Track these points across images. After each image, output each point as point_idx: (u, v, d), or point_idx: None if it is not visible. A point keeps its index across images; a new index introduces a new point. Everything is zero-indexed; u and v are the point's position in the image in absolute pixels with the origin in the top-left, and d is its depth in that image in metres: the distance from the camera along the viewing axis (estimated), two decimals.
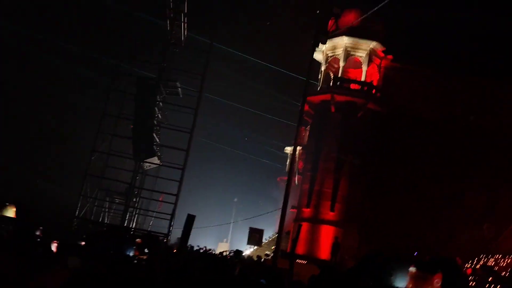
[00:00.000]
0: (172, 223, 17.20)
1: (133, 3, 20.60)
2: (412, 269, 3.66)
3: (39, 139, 30.02)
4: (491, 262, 19.30)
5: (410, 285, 3.65)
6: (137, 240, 7.87)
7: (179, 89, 19.97)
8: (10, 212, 8.81)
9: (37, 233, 9.04)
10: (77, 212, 17.12)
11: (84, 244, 8.37)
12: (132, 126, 18.21)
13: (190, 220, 8.15)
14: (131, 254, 7.78)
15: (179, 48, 21.52)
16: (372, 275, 5.01)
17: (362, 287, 5.19)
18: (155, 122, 18.99)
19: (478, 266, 17.73)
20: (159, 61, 20.07)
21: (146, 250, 7.37)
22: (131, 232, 15.92)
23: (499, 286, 13.19)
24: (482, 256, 20.43)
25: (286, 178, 19.59)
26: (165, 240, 16.95)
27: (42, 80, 31.39)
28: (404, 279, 3.82)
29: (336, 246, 21.08)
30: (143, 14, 20.86)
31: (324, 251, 21.68)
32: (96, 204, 18.37)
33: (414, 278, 3.63)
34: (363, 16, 20.79)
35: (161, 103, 20.18)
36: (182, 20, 21.15)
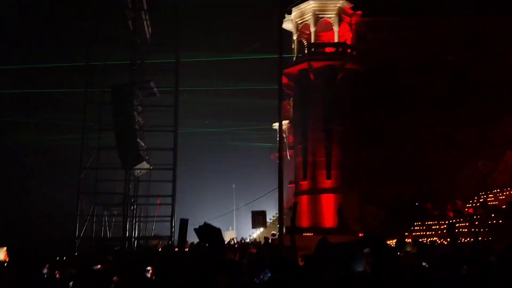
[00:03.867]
0: (173, 224, 17.23)
1: (90, 7, 19.98)
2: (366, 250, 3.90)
3: (26, 162, 29.79)
4: (490, 197, 19.55)
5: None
6: None
7: (155, 89, 19.66)
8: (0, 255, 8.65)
9: (44, 270, 8.84)
10: (77, 232, 17.09)
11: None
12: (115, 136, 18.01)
13: (183, 224, 8.11)
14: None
15: (146, 47, 21.14)
16: (334, 262, 5.08)
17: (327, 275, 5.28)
18: (137, 127, 18.78)
19: (478, 205, 17.96)
20: (129, 64, 19.72)
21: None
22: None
23: (500, 221, 13.37)
24: (482, 193, 20.70)
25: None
26: (169, 242, 17.03)
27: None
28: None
29: (340, 213, 21.28)
30: (104, 16, 20.29)
31: (328, 220, 21.87)
32: (94, 220, 18.32)
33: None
34: None
35: (139, 107, 19.91)
36: (144, 18, 20.72)
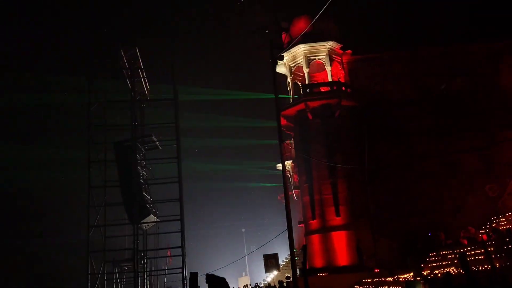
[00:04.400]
0: (185, 276, 17.02)
1: (88, 69, 20.64)
2: None
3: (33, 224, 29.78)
4: (502, 221, 19.32)
5: None
6: None
7: (156, 142, 20.02)
8: None
9: None
10: None
11: None
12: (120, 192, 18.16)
13: (193, 277, 8.13)
14: None
15: (145, 103, 21.70)
16: None
17: None
18: (141, 181, 18.96)
19: (491, 230, 17.73)
20: (130, 121, 20.19)
21: None
22: None
23: None
24: (493, 218, 20.46)
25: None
26: None
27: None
28: None
29: (359, 250, 20.98)
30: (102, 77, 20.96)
31: (342, 258, 21.53)
32: (105, 278, 18.14)
33: None
34: (313, 21, 21.00)
35: (143, 161, 20.19)
36: (141, 76, 21.40)
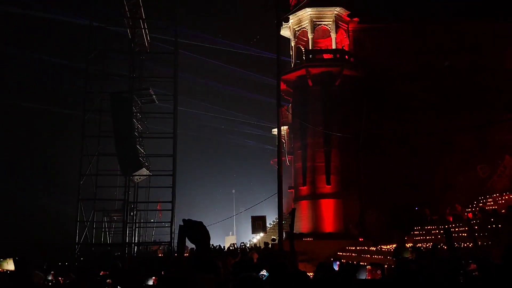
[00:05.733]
0: (173, 230, 17.28)
1: (89, 16, 20.05)
2: None
3: (29, 168, 29.85)
4: (489, 202, 19.61)
5: None
6: None
7: (153, 96, 19.78)
8: (10, 266, 8.85)
9: (50, 277, 9.05)
10: (77, 238, 17.11)
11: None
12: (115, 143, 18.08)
13: (181, 230, 8.14)
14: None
15: (145, 55, 21.30)
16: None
17: None
18: (136, 134, 18.88)
19: (477, 209, 18.00)
20: (129, 72, 19.86)
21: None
22: None
23: (500, 225, 13.41)
24: (481, 198, 20.74)
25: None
26: (169, 248, 17.09)
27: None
28: None
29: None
30: (103, 26, 20.40)
31: (328, 225, 21.91)
32: (94, 226, 18.36)
33: None
34: None
35: (139, 114, 20.03)
36: (142, 27, 20.88)
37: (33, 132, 31.29)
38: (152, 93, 19.78)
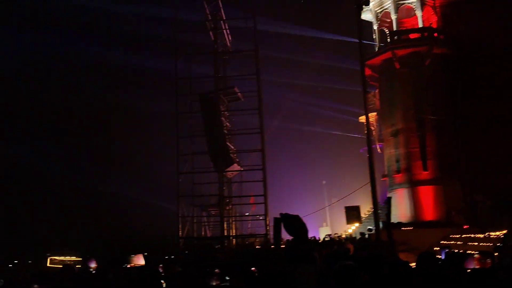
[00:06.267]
0: (267, 223, 17.66)
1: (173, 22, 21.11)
2: None
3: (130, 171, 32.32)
4: None
5: None
6: None
7: (239, 93, 20.36)
8: (141, 260, 9.85)
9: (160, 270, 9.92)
10: (180, 233, 18.29)
11: None
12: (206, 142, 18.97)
13: (277, 223, 8.33)
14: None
15: (228, 54, 21.96)
16: None
17: None
18: (225, 131, 19.57)
19: None
20: (214, 72, 20.68)
21: None
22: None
23: None
24: None
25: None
26: (266, 240, 17.50)
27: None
28: None
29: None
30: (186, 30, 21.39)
31: (428, 213, 20.81)
32: (195, 221, 19.47)
33: None
34: None
35: (226, 112, 20.74)
36: (223, 27, 21.56)
37: (131, 135, 33.88)
38: (237, 90, 20.36)
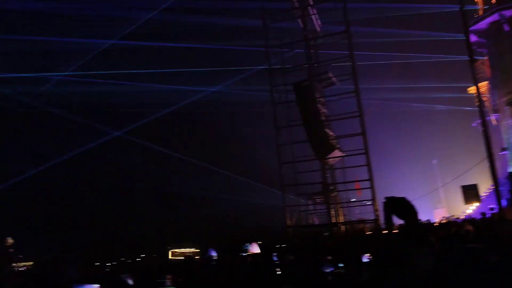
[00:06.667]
0: (376, 208, 17.13)
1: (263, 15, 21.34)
2: None
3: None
4: None
5: None
6: None
7: (333, 78, 19.95)
8: (256, 248, 10.42)
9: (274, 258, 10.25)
10: (288, 221, 18.60)
11: None
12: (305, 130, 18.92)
13: (386, 206, 8.07)
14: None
15: (318, 40, 21.60)
16: None
17: None
18: (322, 118, 19.34)
19: None
20: (306, 60, 20.54)
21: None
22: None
23: None
24: None
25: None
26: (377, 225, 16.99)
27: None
28: None
29: None
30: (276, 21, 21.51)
31: None
32: (302, 209, 19.62)
33: None
34: None
35: (322, 99, 20.46)
36: (312, 13, 21.26)
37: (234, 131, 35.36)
38: (331, 75, 19.95)
